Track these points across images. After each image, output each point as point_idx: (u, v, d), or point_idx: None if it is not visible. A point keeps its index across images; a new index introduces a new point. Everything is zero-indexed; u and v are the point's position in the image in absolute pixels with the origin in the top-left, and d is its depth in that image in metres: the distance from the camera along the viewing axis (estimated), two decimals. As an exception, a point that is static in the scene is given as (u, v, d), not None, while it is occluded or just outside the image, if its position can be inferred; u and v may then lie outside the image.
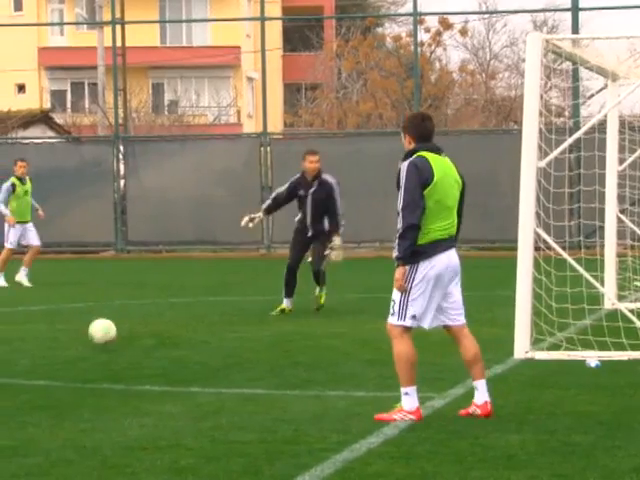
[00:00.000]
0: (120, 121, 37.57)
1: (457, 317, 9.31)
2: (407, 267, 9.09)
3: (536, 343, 12.77)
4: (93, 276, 27.09)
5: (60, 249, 34.73)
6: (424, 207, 9.03)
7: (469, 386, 9.72)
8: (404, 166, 9.16)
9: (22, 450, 8.33)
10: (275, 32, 58.61)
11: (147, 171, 35.01)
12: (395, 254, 9.16)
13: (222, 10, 62.63)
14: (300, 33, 63.09)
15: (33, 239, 23.75)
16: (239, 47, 63.35)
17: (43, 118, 47.69)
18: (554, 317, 13.20)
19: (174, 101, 63.13)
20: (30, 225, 23.85)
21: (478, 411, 9.21)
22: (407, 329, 9.16)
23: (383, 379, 10.99)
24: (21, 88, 62.76)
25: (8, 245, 23.80)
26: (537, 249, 13.04)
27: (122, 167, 35.21)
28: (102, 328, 13.89)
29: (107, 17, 41.13)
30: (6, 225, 23.91)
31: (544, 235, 13.04)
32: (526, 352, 12.56)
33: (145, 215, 34.69)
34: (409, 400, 9.09)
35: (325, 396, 10.51)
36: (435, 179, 9.06)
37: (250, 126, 59.63)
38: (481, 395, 9.25)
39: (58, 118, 52.03)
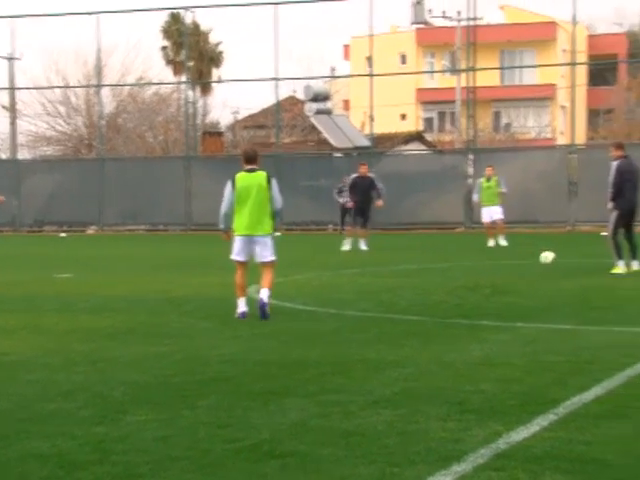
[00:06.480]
0: (470, 138, 37.42)
1: None
2: None
3: None
4: (447, 244, 27.11)
5: (425, 226, 35.04)
6: None
7: None
8: None
9: (401, 363, 8.41)
10: (582, 73, 56.78)
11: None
12: None
13: (544, 58, 61.47)
14: (600, 73, 61.11)
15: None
16: (555, 84, 62.04)
17: (417, 137, 48.24)
18: None
19: (508, 123, 62.56)
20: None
21: None
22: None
23: (657, 320, 10.53)
24: (403, 117, 63.36)
25: None
26: None
27: (470, 170, 35.25)
28: (544, 256, 18.50)
29: (463, 66, 41.07)
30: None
31: None
32: None
33: (487, 203, 34.49)
34: None
35: (613, 331, 10.12)
36: None
37: (561, 140, 58.12)
38: None
39: (428, 137, 52.42)
